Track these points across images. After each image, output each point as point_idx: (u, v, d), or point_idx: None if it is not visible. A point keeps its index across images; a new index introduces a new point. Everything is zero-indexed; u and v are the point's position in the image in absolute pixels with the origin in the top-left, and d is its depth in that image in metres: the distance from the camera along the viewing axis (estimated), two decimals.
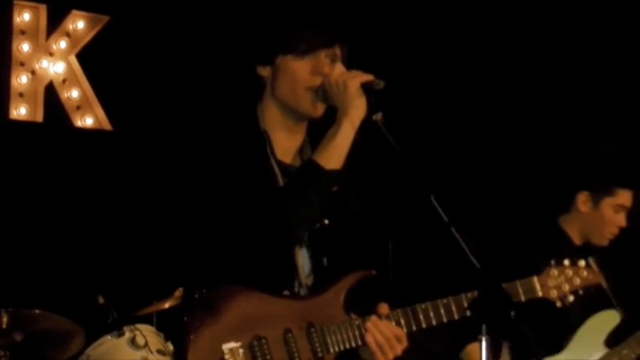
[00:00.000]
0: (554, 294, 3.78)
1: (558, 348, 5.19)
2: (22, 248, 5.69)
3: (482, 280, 3.38)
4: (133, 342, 5.14)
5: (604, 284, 3.97)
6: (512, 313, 3.46)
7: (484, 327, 3.37)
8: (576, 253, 5.21)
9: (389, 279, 3.81)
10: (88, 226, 6.40)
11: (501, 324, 3.46)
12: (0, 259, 5.20)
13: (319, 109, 3.75)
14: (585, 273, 3.84)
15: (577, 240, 5.33)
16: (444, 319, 3.66)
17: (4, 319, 5.41)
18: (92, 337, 5.33)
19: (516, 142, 7.00)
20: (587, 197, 5.31)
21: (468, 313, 3.63)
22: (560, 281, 3.78)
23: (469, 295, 3.63)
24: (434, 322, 3.67)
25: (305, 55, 3.73)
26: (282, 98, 3.77)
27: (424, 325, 3.66)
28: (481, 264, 3.32)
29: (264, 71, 3.78)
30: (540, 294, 3.78)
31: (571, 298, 3.86)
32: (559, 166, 5.72)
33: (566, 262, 3.83)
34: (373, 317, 3.65)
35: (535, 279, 3.78)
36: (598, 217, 5.34)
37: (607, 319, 5.19)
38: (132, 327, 5.16)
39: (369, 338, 3.64)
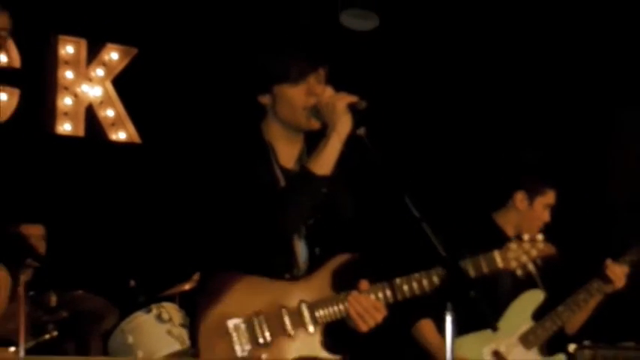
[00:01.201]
0: (514, 264, 3.75)
1: (493, 327, 5.17)
2: (70, 241, 5.67)
3: (445, 265, 3.40)
4: (159, 317, 5.16)
5: (554, 253, 3.91)
6: (472, 293, 3.48)
7: (449, 305, 3.37)
8: (505, 242, 5.30)
9: (370, 261, 3.79)
10: (121, 223, 6.41)
11: (463, 302, 3.47)
12: (52, 251, 5.18)
13: (315, 124, 3.75)
14: (541, 245, 3.82)
15: (510, 232, 5.32)
16: (417, 292, 3.65)
17: (53, 299, 5.47)
18: (125, 313, 5.34)
19: (463, 150, 6.93)
20: (523, 196, 5.31)
21: (438, 284, 3.62)
22: (518, 253, 3.77)
23: (439, 270, 3.61)
24: (407, 295, 3.65)
25: (297, 81, 3.75)
26: (283, 118, 3.80)
27: (399, 297, 3.65)
28: (445, 252, 3.35)
29: (265, 99, 3.81)
30: (501, 265, 3.73)
31: (530, 267, 3.89)
32: (497, 168, 5.70)
33: (525, 236, 3.81)
34: (354, 292, 3.63)
35: (496, 252, 3.74)
36: (532, 213, 5.35)
37: (533, 298, 5.18)
38: (158, 305, 5.20)
39: (351, 310, 3.62)
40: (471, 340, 5.02)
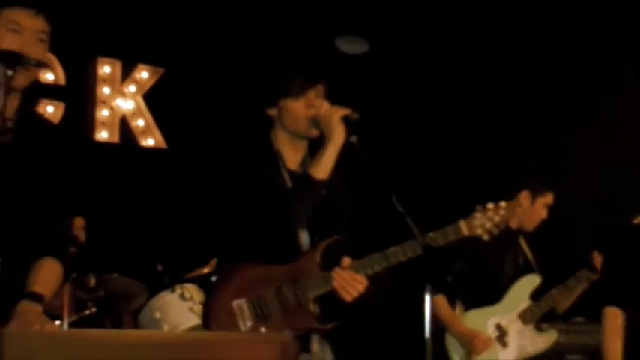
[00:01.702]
0: (479, 231, 3.67)
1: (497, 300, 5.16)
2: (106, 231, 5.65)
3: (426, 253, 3.37)
4: (182, 296, 5.12)
5: (515, 215, 3.88)
6: (449, 278, 3.48)
7: (428, 286, 3.36)
8: (511, 235, 5.25)
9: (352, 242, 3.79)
10: (150, 216, 6.39)
11: (440, 284, 3.45)
12: (91, 239, 5.15)
13: (315, 132, 3.77)
14: (503, 211, 3.72)
15: (513, 225, 5.31)
16: (391, 263, 3.62)
17: (92, 280, 5.47)
18: (153, 293, 5.31)
19: (478, 155, 6.90)
20: (527, 195, 5.31)
21: (402, 259, 3.59)
22: (483, 220, 3.68)
23: (398, 248, 3.59)
24: (383, 265, 3.63)
25: (298, 96, 3.75)
26: (288, 128, 3.81)
27: (376, 269, 3.64)
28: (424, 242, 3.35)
29: (272, 111, 3.83)
30: (467, 232, 3.67)
31: (495, 231, 3.72)
32: (508, 171, 5.69)
33: (490, 205, 3.72)
34: (337, 268, 3.63)
35: (461, 221, 3.68)
36: (533, 210, 5.37)
37: (531, 281, 5.20)
38: (181, 285, 5.16)
39: (334, 283, 3.62)
40: (477, 314, 5.18)
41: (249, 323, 3.62)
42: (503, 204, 3.73)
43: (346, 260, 3.64)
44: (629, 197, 5.08)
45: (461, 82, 7.22)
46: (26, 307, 3.12)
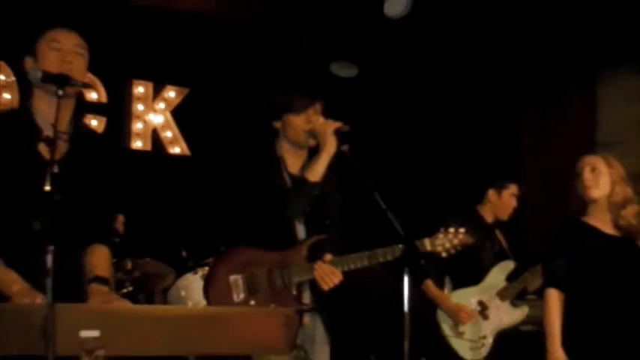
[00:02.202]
0: (439, 248, 3.67)
1: (478, 282, 5.21)
2: (141, 225, 5.67)
3: (406, 242, 3.38)
4: (203, 277, 5.12)
5: (472, 242, 3.88)
6: (422, 262, 3.49)
7: (406, 270, 3.35)
8: (490, 227, 5.34)
9: (343, 241, 3.80)
10: (176, 212, 6.40)
11: (418, 268, 3.45)
12: (129, 231, 5.17)
13: (312, 142, 3.79)
14: (461, 236, 3.70)
15: (489, 219, 5.35)
16: (365, 264, 3.64)
17: (129, 264, 5.49)
18: (179, 274, 5.33)
19: (452, 167, 6.91)
20: (493, 192, 5.33)
21: (381, 260, 3.61)
22: (444, 241, 3.68)
23: (379, 251, 3.61)
24: (358, 266, 3.65)
25: (299, 112, 3.76)
26: (290, 139, 3.83)
27: (352, 267, 3.66)
28: (405, 234, 3.35)
29: (278, 124, 3.84)
30: (429, 249, 3.67)
31: (452, 251, 3.71)
32: (473, 177, 5.71)
33: (451, 229, 3.71)
34: (319, 262, 3.65)
35: (426, 239, 3.67)
36: (502, 202, 5.38)
37: (506, 266, 5.23)
38: (202, 268, 5.16)
39: (315, 274, 3.64)
40: (462, 293, 5.22)
41: (241, 296, 3.64)
42: (462, 230, 3.73)
43: (328, 256, 3.66)
44: (558, 195, 5.08)
45: (432, 102, 7.24)
46: (97, 288, 3.16)
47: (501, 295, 5.17)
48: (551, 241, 4.22)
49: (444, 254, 3.72)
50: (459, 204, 5.56)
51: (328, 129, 3.68)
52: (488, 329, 5.12)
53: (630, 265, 4.02)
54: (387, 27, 6.02)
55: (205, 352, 3.31)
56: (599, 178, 4.07)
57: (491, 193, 5.37)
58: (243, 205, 3.75)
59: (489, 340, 5.10)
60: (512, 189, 5.40)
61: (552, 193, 5.72)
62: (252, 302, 3.63)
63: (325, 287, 3.63)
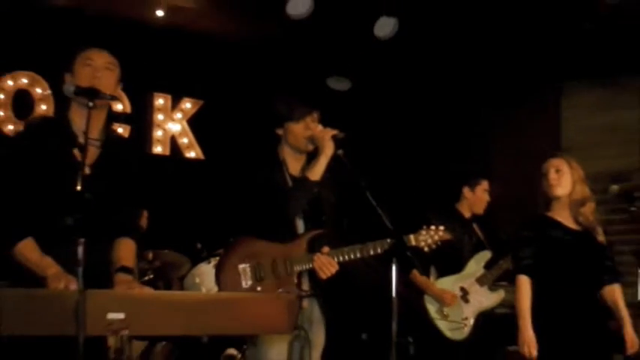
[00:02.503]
0: (422, 244, 3.67)
1: (460, 270, 5.20)
2: (161, 220, 5.66)
3: (395, 236, 3.39)
4: (215, 266, 5.11)
5: (449, 238, 3.90)
6: (409, 253, 3.48)
7: (394, 260, 3.36)
8: (468, 222, 5.32)
9: (336, 235, 3.79)
10: (191, 209, 6.40)
11: (405, 259, 3.45)
12: (151, 225, 5.17)
13: (311, 147, 3.79)
14: (441, 232, 3.71)
15: (467, 214, 5.32)
16: (358, 256, 3.64)
17: (150, 255, 5.50)
18: (194, 264, 5.32)
19: (431, 170, 6.89)
20: (467, 189, 5.31)
21: (372, 253, 3.62)
22: (426, 237, 3.68)
23: (370, 244, 3.62)
24: (352, 257, 3.65)
25: (299, 120, 3.76)
26: (291, 144, 3.83)
27: (346, 258, 3.65)
28: (394, 228, 3.38)
29: (280, 131, 3.85)
30: (414, 243, 3.68)
31: (433, 246, 3.73)
32: (449, 177, 5.68)
33: (432, 226, 3.71)
34: (318, 254, 3.65)
35: (411, 235, 3.68)
36: (476, 198, 5.35)
37: (484, 256, 5.22)
38: (214, 258, 5.14)
39: (314, 264, 3.63)
40: (445, 280, 5.20)
41: (249, 282, 3.64)
42: (441, 227, 3.72)
43: (325, 249, 3.65)
44: (525, 195, 5.08)
45: (415, 111, 7.25)
46: (122, 277, 3.18)
47: (480, 281, 5.16)
48: (520, 233, 4.22)
49: (426, 249, 3.73)
50: (439, 201, 5.55)
51: (326, 135, 3.71)
52: (470, 311, 5.12)
53: (588, 255, 4.06)
54: (376, 47, 6.02)
55: (216, 332, 3.32)
56: (562, 178, 4.09)
57: (466, 190, 5.35)
58: (250, 203, 3.74)
59: (471, 321, 5.10)
60: (484, 185, 5.38)
61: (519, 190, 5.70)
62: (259, 288, 3.63)
63: (323, 276, 3.63)
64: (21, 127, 5.87)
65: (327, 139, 3.69)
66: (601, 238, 4.11)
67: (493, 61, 6.60)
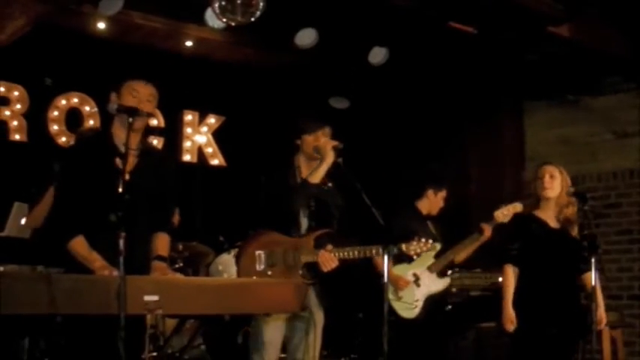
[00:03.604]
0: (412, 252, 3.68)
1: (413, 259, 5.12)
2: (190, 217, 5.62)
3: (385, 232, 3.38)
4: (235, 256, 5.09)
5: (433, 250, 3.97)
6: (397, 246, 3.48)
7: (387, 252, 3.34)
8: (424, 218, 5.22)
9: (340, 234, 3.80)
10: (215, 208, 6.36)
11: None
12: (182, 222, 5.15)
13: (318, 156, 3.79)
14: (429, 244, 3.71)
15: (424, 212, 5.27)
16: (356, 256, 3.65)
17: (180, 246, 5.43)
18: (217, 254, 5.30)
19: (401, 167, 6.82)
20: (432, 191, 5.27)
21: (368, 255, 3.62)
22: (415, 247, 3.67)
23: (367, 247, 3.64)
24: (351, 256, 3.66)
25: (312, 133, 3.77)
26: (305, 153, 3.85)
27: (346, 257, 3.65)
28: (385, 225, 3.39)
29: (298, 142, 3.88)
30: (404, 250, 3.67)
31: (419, 255, 3.77)
32: (416, 176, 5.64)
33: (422, 239, 3.70)
34: (322, 250, 3.64)
35: (403, 244, 3.66)
36: (435, 201, 5.31)
37: (435, 247, 5.12)
38: (235, 250, 5.12)
39: (319, 259, 3.64)
40: (401, 267, 5.10)
41: (262, 267, 3.66)
42: (430, 240, 3.72)
43: (329, 246, 3.66)
44: (506, 196, 5.06)
45: (403, 125, 7.21)
46: (158, 264, 3.21)
47: (430, 268, 5.09)
48: (509, 228, 4.24)
49: (415, 256, 3.79)
50: (403, 197, 5.49)
51: (328, 145, 3.72)
52: (420, 294, 5.03)
53: (565, 248, 4.10)
54: (370, 72, 6.02)
55: (237, 312, 3.30)
56: (554, 183, 4.14)
57: (429, 192, 5.30)
58: (264, 200, 3.76)
59: (420, 303, 5.02)
60: (444, 192, 5.34)
61: (490, 193, 5.69)
62: (270, 272, 3.64)
63: (325, 269, 3.64)
64: (72, 140, 5.88)
65: (328, 148, 3.71)
66: (574, 234, 4.14)
67: (468, 85, 6.61)
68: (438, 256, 5.09)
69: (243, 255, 3.71)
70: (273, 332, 3.71)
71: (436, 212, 5.33)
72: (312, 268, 3.69)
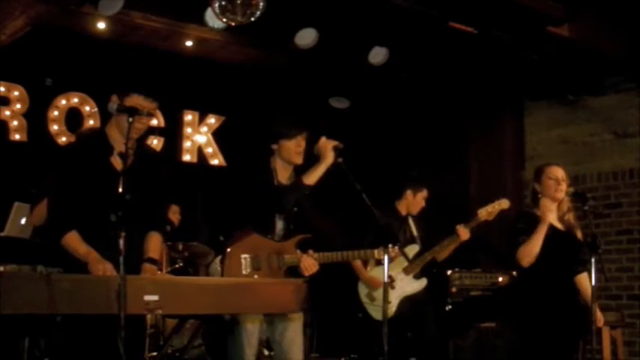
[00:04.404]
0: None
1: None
2: (190, 216, 5.61)
3: (385, 230, 3.38)
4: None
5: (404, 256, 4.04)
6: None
7: (387, 251, 3.34)
8: (404, 218, 5.25)
9: (315, 240, 3.81)
10: (215, 206, 6.32)
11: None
12: (183, 220, 5.14)
13: (300, 161, 3.82)
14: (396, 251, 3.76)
15: (403, 212, 5.26)
16: (340, 260, 3.72)
17: (180, 246, 5.43)
18: (217, 254, 5.23)
19: (384, 170, 6.77)
20: (411, 192, 5.26)
21: (351, 259, 3.66)
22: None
23: (351, 253, 3.73)
24: (333, 261, 3.71)
25: (291, 139, 3.79)
26: (283, 158, 3.85)
27: (327, 261, 3.71)
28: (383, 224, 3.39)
29: (275, 147, 3.85)
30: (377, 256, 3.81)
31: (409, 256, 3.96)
32: (398, 178, 5.61)
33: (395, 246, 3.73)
34: (304, 255, 3.70)
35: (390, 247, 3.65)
36: (415, 202, 5.30)
37: (412, 249, 5.17)
38: None
39: (301, 264, 3.68)
40: (378, 268, 5.02)
41: (248, 270, 3.65)
42: (396, 248, 3.71)
43: (310, 252, 3.71)
44: (506, 195, 5.03)
45: (404, 125, 7.21)
46: (148, 267, 3.21)
47: (406, 270, 5.07)
48: (516, 225, 4.22)
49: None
50: (381, 197, 5.48)
51: (328, 145, 3.70)
52: (394, 296, 5.00)
53: (567, 249, 4.13)
54: (370, 72, 6.01)
55: (236, 311, 3.29)
56: (564, 186, 4.17)
57: (408, 193, 5.28)
58: (243, 201, 3.75)
59: (394, 304, 5.00)
60: (424, 193, 5.32)
61: (490, 192, 5.68)
62: (256, 276, 3.64)
63: (306, 274, 3.69)
64: (72, 140, 5.88)
65: (328, 149, 3.70)
66: (579, 236, 4.18)
67: (468, 85, 6.60)
68: (416, 257, 5.07)
69: (228, 258, 3.69)
70: (252, 328, 3.70)
71: (417, 212, 5.31)
72: (294, 271, 3.74)
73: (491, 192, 5.70)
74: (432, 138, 7.09)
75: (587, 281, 4.12)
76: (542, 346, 4.00)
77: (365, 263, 5.08)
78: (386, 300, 3.40)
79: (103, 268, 2.93)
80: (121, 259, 2.67)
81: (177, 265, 5.37)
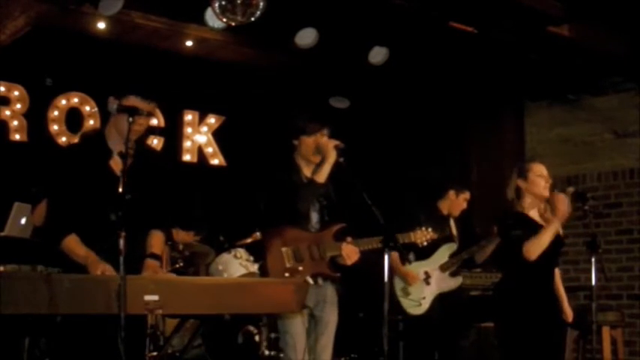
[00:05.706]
0: (419, 241, 3.86)
1: (428, 257, 5.16)
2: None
3: (386, 231, 3.39)
4: (235, 256, 5.10)
5: (437, 236, 4.08)
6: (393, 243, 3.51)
7: (387, 251, 3.36)
8: (445, 218, 5.33)
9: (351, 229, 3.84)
10: (216, 207, 6.34)
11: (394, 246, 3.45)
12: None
13: (318, 158, 3.83)
14: (432, 233, 3.91)
15: (444, 212, 5.30)
16: (375, 247, 3.66)
17: (181, 246, 5.40)
18: (218, 254, 5.27)
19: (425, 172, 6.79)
20: (454, 193, 5.30)
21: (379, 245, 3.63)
22: (420, 235, 3.84)
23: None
24: (369, 247, 3.70)
25: (311, 135, 3.80)
26: (303, 154, 3.85)
27: (367, 248, 3.72)
28: (386, 224, 3.41)
29: (296, 142, 3.88)
30: (413, 240, 3.87)
31: (425, 243, 3.95)
32: (441, 179, 5.62)
33: (424, 228, 3.89)
34: (344, 243, 3.71)
35: (411, 233, 3.87)
36: (457, 203, 5.37)
37: (450, 247, 5.22)
38: (235, 249, 5.12)
39: (342, 251, 3.70)
40: (416, 264, 5.19)
41: (291, 262, 3.67)
42: (430, 229, 3.93)
43: (349, 239, 3.73)
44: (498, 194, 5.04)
45: (405, 125, 7.21)
46: (151, 263, 3.20)
47: (442, 267, 5.15)
48: (505, 222, 4.20)
49: (421, 244, 3.95)
50: (423, 197, 5.57)
51: (330, 145, 3.74)
52: (428, 292, 5.10)
53: (554, 243, 4.08)
54: (370, 71, 6.01)
55: (237, 311, 3.29)
56: (549, 185, 4.15)
57: (451, 193, 5.34)
58: (273, 198, 3.77)
59: (428, 300, 5.09)
60: (466, 194, 5.38)
61: (491, 193, 5.67)
62: (300, 268, 3.68)
63: (349, 262, 3.73)
64: (72, 140, 5.88)
65: (330, 148, 3.73)
66: (561, 232, 4.15)
67: (468, 85, 6.61)
68: (453, 256, 5.14)
69: (268, 254, 3.71)
70: (297, 326, 3.73)
71: (458, 213, 5.39)
72: (333, 262, 3.77)
73: (492, 193, 5.70)
74: (432, 139, 7.10)
75: (558, 275, 4.18)
76: (541, 343, 3.99)
77: (402, 258, 5.07)
78: (386, 299, 3.40)
79: (102, 269, 2.93)
80: (121, 259, 2.67)
81: (177, 265, 5.36)
